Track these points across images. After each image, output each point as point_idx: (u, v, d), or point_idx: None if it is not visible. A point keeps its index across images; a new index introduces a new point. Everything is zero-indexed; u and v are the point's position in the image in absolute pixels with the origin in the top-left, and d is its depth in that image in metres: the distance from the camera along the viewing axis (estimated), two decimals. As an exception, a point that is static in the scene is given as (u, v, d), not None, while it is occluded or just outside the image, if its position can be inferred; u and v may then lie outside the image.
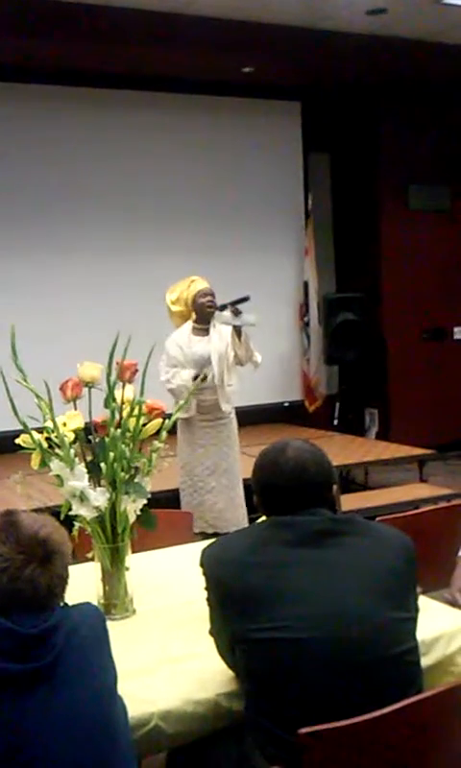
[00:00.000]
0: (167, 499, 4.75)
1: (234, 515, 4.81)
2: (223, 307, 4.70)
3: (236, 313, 4.65)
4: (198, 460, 4.77)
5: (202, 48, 6.23)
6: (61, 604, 1.57)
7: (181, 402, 2.81)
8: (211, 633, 1.92)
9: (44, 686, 1.46)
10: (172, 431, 2.44)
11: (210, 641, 1.92)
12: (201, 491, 4.80)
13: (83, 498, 2.23)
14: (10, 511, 1.60)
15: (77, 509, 2.24)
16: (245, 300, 4.69)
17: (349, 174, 8.12)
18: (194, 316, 4.78)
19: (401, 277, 7.79)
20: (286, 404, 7.72)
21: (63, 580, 1.58)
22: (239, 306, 4.67)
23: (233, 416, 4.89)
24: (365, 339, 7.53)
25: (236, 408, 4.98)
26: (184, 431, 4.78)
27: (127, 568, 2.34)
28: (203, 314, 4.75)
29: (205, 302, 4.72)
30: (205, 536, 4.40)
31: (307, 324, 7.65)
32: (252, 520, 4.49)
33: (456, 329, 8.16)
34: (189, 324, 4.80)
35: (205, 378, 4.65)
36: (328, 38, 6.32)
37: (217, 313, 4.71)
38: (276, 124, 7.64)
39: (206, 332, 4.76)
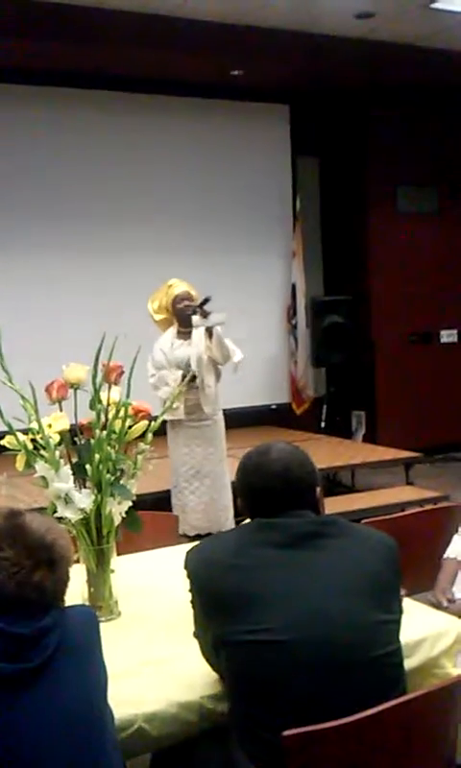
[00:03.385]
0: (153, 501, 4.75)
1: (216, 516, 4.82)
2: (192, 312, 4.73)
3: (204, 315, 4.69)
4: (182, 460, 4.81)
5: (191, 51, 6.24)
6: (60, 605, 1.57)
7: (168, 404, 2.80)
8: (196, 635, 1.92)
9: (35, 688, 1.46)
10: (161, 433, 2.44)
11: (195, 643, 1.92)
12: (184, 491, 4.82)
13: (68, 500, 2.23)
14: (14, 512, 1.58)
15: (62, 511, 2.23)
16: (207, 301, 4.73)
17: (337, 177, 8.14)
18: (176, 320, 4.84)
19: (389, 280, 7.81)
20: (273, 406, 7.73)
21: (66, 584, 1.58)
22: (206, 307, 4.71)
23: (220, 418, 4.91)
24: (352, 342, 7.55)
25: (224, 410, 4.99)
26: (171, 432, 4.80)
27: (112, 571, 2.34)
28: (183, 319, 4.78)
29: (182, 308, 4.77)
30: (188, 538, 4.40)
31: (295, 327, 7.66)
32: (237, 523, 4.49)
33: (443, 333, 8.19)
34: (174, 329, 4.84)
35: (194, 378, 4.67)
36: (317, 42, 6.34)
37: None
38: (264, 127, 7.65)
39: (188, 335, 4.79)
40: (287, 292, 7.73)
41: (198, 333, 4.75)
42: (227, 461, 4.91)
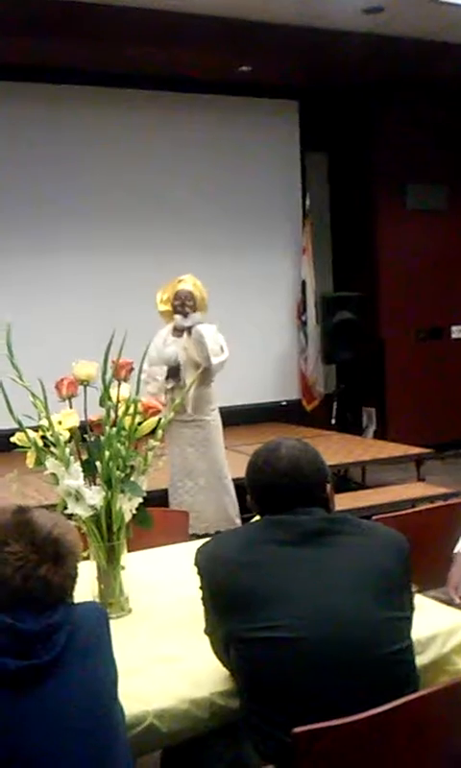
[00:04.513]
0: (162, 498, 4.76)
1: (215, 516, 4.82)
2: (175, 312, 4.77)
3: (185, 315, 4.74)
4: (175, 460, 4.82)
5: (199, 47, 6.23)
6: (69, 602, 1.57)
7: (178, 401, 2.80)
8: (206, 632, 1.92)
9: (44, 685, 1.46)
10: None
11: (205, 640, 1.92)
12: (179, 491, 4.83)
13: (78, 497, 2.23)
14: (22, 508, 1.58)
15: (72, 508, 2.23)
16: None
17: (346, 173, 8.12)
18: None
19: (399, 276, 7.79)
20: (284, 403, 7.72)
21: (74, 579, 1.58)
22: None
23: (213, 418, 4.90)
24: (362, 338, 7.53)
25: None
26: (166, 431, 4.79)
27: (122, 567, 2.33)
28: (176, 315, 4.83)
29: (176, 306, 4.82)
30: (196, 536, 4.41)
31: (305, 324, 7.65)
32: (245, 520, 4.49)
33: (454, 328, 8.16)
34: (171, 325, 4.85)
35: (175, 375, 4.69)
36: (326, 37, 6.31)
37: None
38: (273, 123, 7.64)
39: (182, 333, 4.80)
40: (297, 288, 7.73)
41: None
42: (226, 462, 4.90)
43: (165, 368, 4.73)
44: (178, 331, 4.84)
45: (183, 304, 4.77)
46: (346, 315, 7.46)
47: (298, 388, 7.77)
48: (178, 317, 4.76)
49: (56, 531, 1.55)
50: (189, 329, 4.74)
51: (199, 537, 4.22)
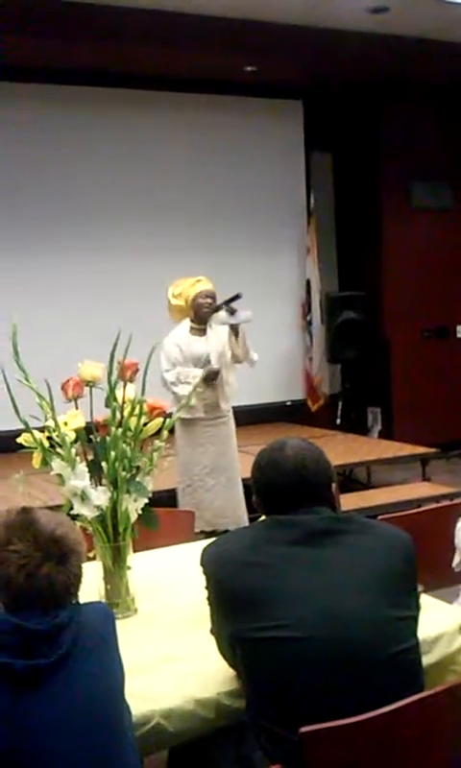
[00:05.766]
0: (168, 498, 4.76)
1: (234, 513, 4.83)
2: (217, 308, 4.75)
3: (231, 312, 4.71)
4: (197, 459, 4.80)
5: (204, 47, 6.22)
6: (74, 601, 1.58)
7: (184, 402, 2.81)
8: (212, 632, 1.92)
9: (49, 684, 1.46)
10: (170, 430, 2.45)
11: (212, 640, 1.92)
12: (199, 489, 4.82)
13: (84, 497, 2.23)
14: (26, 508, 1.60)
15: (78, 508, 2.24)
16: (237, 297, 4.74)
17: (351, 172, 8.11)
18: (192, 315, 4.83)
19: (404, 276, 7.78)
20: (289, 403, 7.72)
21: (78, 578, 1.59)
22: (233, 304, 4.72)
23: (231, 415, 4.91)
24: (367, 337, 7.53)
25: (237, 407, 5.00)
26: (184, 430, 4.79)
27: (128, 567, 2.34)
28: (200, 314, 4.80)
29: (203, 303, 4.78)
30: (204, 534, 4.41)
31: (310, 323, 7.65)
32: (251, 520, 4.49)
33: (459, 328, 8.15)
34: (187, 324, 4.84)
35: (216, 376, 4.68)
36: (331, 37, 6.31)
37: (214, 315, 4.76)
38: (278, 123, 7.63)
39: (203, 332, 4.82)
40: (302, 288, 7.72)
41: (218, 330, 4.78)
42: (241, 457, 4.91)
43: (198, 371, 4.69)
44: (198, 330, 4.83)
45: (211, 303, 4.76)
46: (351, 314, 7.46)
47: (303, 388, 7.77)
48: (223, 314, 4.74)
49: (59, 530, 1.56)
50: (236, 328, 4.72)
51: (218, 534, 4.24)
